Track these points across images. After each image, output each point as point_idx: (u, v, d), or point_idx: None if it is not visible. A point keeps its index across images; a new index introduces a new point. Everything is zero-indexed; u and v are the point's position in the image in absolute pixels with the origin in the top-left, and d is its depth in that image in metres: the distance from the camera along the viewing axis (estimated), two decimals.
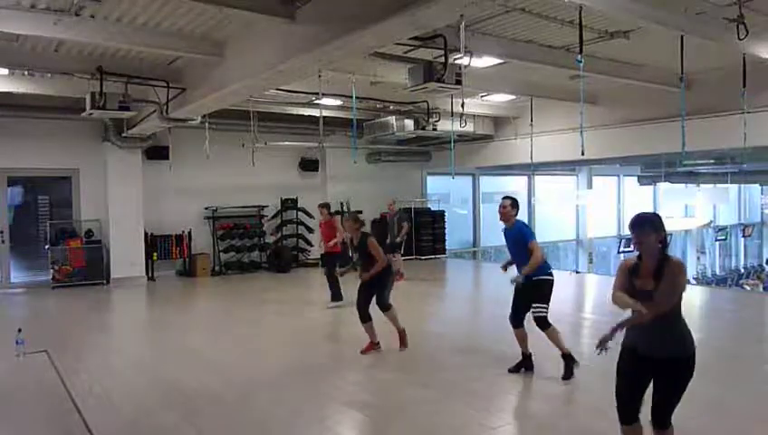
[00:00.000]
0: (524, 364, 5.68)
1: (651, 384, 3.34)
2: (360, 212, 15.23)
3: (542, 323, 5.47)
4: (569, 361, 5.49)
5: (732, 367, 6.05)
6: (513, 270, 5.71)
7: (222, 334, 7.82)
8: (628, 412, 3.40)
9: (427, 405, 5.01)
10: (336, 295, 9.22)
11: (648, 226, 3.26)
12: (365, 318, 6.50)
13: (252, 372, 6.03)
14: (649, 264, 3.26)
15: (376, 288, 6.53)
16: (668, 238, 3.32)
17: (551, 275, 5.51)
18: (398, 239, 11.76)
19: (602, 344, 3.30)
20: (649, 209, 20.80)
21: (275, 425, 4.72)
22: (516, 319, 5.60)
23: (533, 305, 5.46)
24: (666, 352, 3.25)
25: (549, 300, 5.48)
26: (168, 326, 8.68)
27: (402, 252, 12.19)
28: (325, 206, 9.77)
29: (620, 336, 3.36)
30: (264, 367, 6.19)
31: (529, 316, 5.54)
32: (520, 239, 5.49)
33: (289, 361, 6.38)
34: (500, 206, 5.59)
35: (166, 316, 9.52)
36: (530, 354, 5.69)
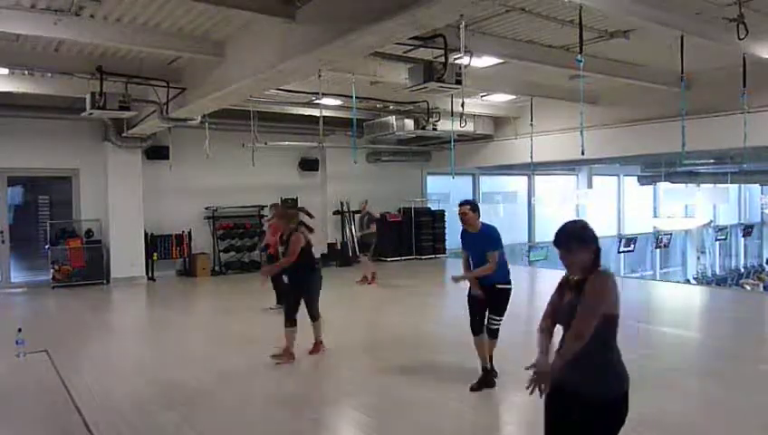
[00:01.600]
0: (485, 381, 5.24)
1: None
2: (360, 212, 15.32)
3: (495, 334, 5.25)
4: (488, 375, 5.25)
5: (732, 367, 6.05)
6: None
7: (222, 334, 7.82)
8: None
9: (426, 405, 5.01)
10: (280, 299, 8.70)
11: (574, 242, 2.71)
12: (291, 323, 6.21)
13: (252, 372, 6.03)
14: (578, 278, 2.75)
15: (304, 294, 6.28)
16: (600, 250, 2.76)
17: (510, 284, 5.26)
18: (358, 234, 11.50)
19: (536, 384, 2.66)
20: (652, 209, 20.49)
21: (275, 425, 4.72)
22: (475, 327, 5.30)
23: (492, 317, 5.21)
24: (576, 386, 2.62)
25: (505, 311, 5.24)
26: (168, 326, 8.68)
27: (372, 254, 11.73)
28: (275, 206, 9.42)
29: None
30: (263, 367, 6.18)
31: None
32: (488, 245, 5.19)
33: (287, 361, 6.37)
34: (460, 212, 5.31)
35: (166, 316, 9.52)
36: (491, 369, 5.30)
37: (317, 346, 6.47)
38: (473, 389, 5.17)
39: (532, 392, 2.66)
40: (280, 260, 6.41)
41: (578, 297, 2.65)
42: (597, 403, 2.60)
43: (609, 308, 2.63)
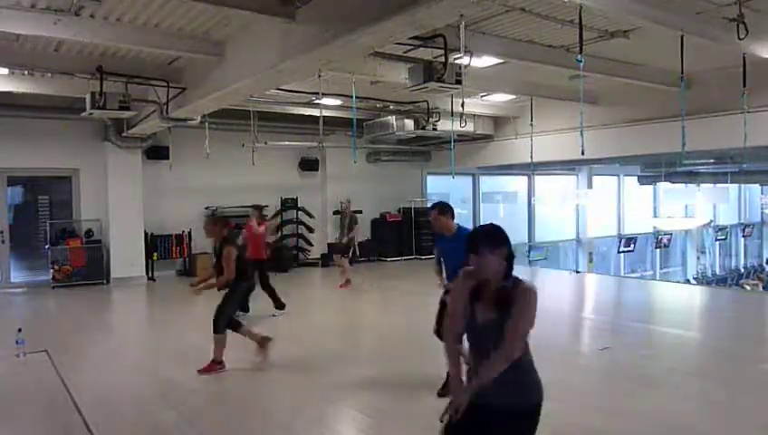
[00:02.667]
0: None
1: None
2: (360, 212, 15.31)
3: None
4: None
5: (732, 367, 6.05)
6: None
7: None
8: None
9: (427, 405, 5.01)
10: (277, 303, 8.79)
11: (485, 245, 2.59)
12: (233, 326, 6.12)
13: (251, 372, 6.03)
14: (494, 289, 2.61)
15: (222, 300, 6.05)
16: (513, 257, 2.64)
17: None
18: (344, 240, 11.25)
19: (453, 411, 2.54)
20: (652, 209, 20.54)
21: (275, 425, 4.72)
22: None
23: None
24: (506, 401, 2.54)
25: None
26: (168, 326, 8.68)
27: (350, 256, 11.46)
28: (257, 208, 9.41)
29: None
30: (263, 367, 6.18)
31: None
32: (462, 249, 4.90)
33: (289, 360, 6.38)
34: (431, 217, 5.05)
35: (166, 316, 9.53)
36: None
37: (210, 367, 5.93)
38: (440, 394, 4.94)
39: (446, 421, 2.54)
40: (219, 278, 5.99)
41: (502, 314, 2.53)
42: (526, 414, 2.57)
43: (533, 320, 2.57)
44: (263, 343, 6.29)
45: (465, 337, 2.75)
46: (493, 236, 2.65)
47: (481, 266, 2.60)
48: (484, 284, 2.62)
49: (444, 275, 5.18)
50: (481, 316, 2.61)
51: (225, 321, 6.04)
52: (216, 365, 5.96)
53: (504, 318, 2.52)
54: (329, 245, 14.78)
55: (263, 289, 8.43)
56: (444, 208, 5.02)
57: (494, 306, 2.57)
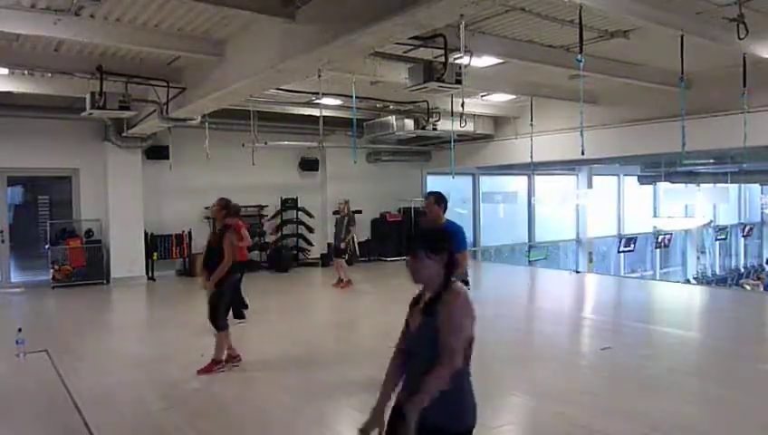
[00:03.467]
0: None
1: None
2: (360, 212, 15.30)
3: None
4: None
5: (732, 367, 6.05)
6: None
7: None
8: None
9: None
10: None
11: (420, 249, 2.34)
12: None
13: (251, 372, 6.03)
14: (427, 296, 2.39)
15: (211, 297, 6.00)
16: (454, 264, 2.40)
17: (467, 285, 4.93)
18: (342, 245, 11.29)
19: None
20: (652, 209, 20.51)
21: (275, 425, 4.72)
22: None
23: None
24: (432, 419, 2.28)
25: None
26: (169, 326, 8.67)
27: (347, 258, 11.53)
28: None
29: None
30: (263, 367, 6.19)
31: None
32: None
33: (289, 360, 6.38)
34: (426, 204, 5.08)
35: (166, 316, 9.52)
36: None
37: (211, 366, 5.92)
38: None
39: None
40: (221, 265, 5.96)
41: (428, 321, 2.32)
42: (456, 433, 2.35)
43: (469, 331, 2.32)
44: (229, 359, 6.12)
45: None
46: (434, 239, 2.41)
47: (415, 269, 2.36)
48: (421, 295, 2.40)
49: None
50: (412, 324, 2.41)
51: (224, 316, 6.06)
52: (215, 365, 5.96)
53: (428, 324, 2.30)
54: (328, 245, 14.79)
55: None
56: (439, 198, 4.99)
57: (421, 311, 2.36)
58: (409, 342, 2.42)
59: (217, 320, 5.98)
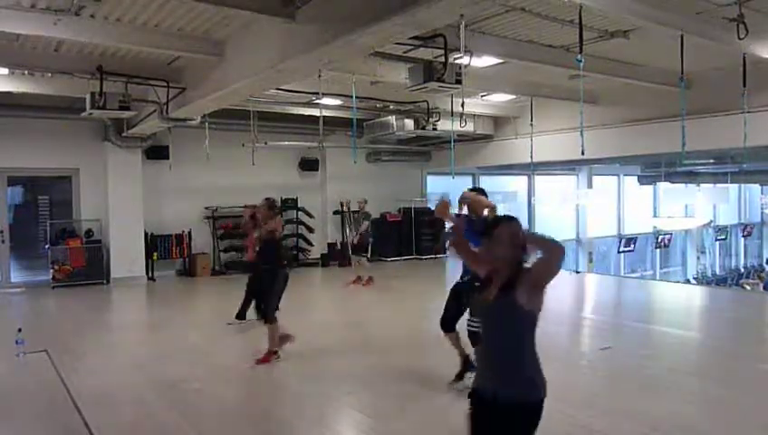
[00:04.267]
0: (466, 367, 5.22)
1: None
2: (357, 212, 15.28)
3: (476, 337, 4.95)
4: (466, 364, 5.20)
5: (732, 367, 6.05)
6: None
7: (222, 334, 7.81)
8: None
9: (427, 405, 5.01)
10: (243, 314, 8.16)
11: (503, 232, 2.65)
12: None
13: (251, 372, 6.03)
14: (504, 274, 2.62)
15: (264, 289, 6.22)
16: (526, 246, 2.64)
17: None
18: (356, 241, 11.43)
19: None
20: (652, 209, 20.53)
21: (275, 425, 4.72)
22: (451, 324, 5.27)
23: (469, 319, 5.01)
24: (510, 392, 2.52)
25: None
26: (169, 326, 8.67)
27: (369, 255, 11.62)
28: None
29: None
30: (263, 367, 6.19)
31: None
32: (479, 233, 5.08)
33: (288, 360, 6.38)
34: (462, 197, 5.35)
35: (166, 316, 9.52)
36: (468, 354, 5.20)
37: (268, 356, 6.10)
38: (453, 380, 5.21)
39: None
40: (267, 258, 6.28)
41: (505, 296, 2.55)
42: (530, 408, 2.54)
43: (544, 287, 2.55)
44: (282, 341, 6.36)
45: None
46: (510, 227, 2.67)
47: (492, 251, 2.64)
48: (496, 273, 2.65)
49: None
50: (488, 296, 2.63)
51: (273, 309, 6.17)
52: (273, 355, 6.12)
53: (505, 299, 2.52)
54: (328, 245, 14.80)
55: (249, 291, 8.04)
56: (481, 192, 5.51)
57: (499, 287, 2.57)
58: (485, 316, 2.65)
59: (268, 314, 6.15)
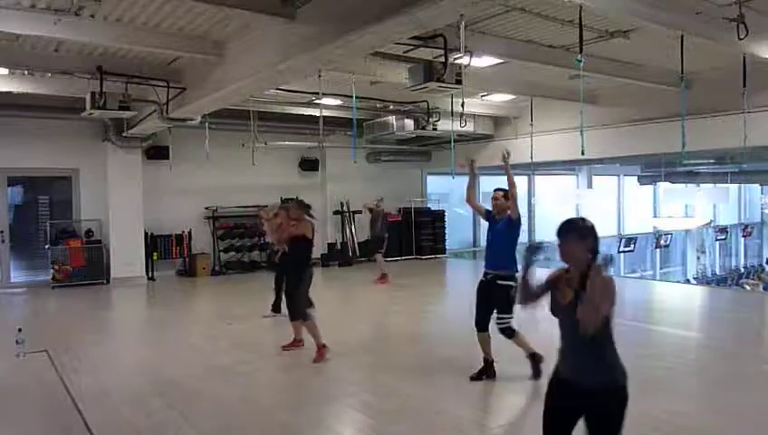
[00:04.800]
0: (487, 372, 5.45)
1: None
2: (360, 212, 15.28)
3: (508, 332, 5.29)
4: (535, 361, 5.32)
5: (732, 367, 6.05)
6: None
7: (222, 334, 7.82)
8: None
9: (427, 405, 5.01)
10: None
11: (573, 233, 2.91)
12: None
13: (252, 372, 6.03)
14: (574, 275, 2.85)
15: (289, 291, 6.32)
16: (598, 248, 2.94)
17: (513, 280, 5.15)
18: (376, 238, 11.63)
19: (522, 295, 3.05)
20: (652, 209, 20.63)
21: (275, 425, 4.72)
22: (482, 323, 5.38)
23: (498, 317, 5.22)
24: (593, 380, 2.76)
25: (513, 307, 5.17)
26: (169, 326, 8.67)
27: (384, 252, 11.86)
28: (285, 208, 9.23)
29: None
30: (263, 367, 6.19)
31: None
32: (506, 231, 5.32)
33: (288, 360, 6.38)
34: (493, 197, 5.50)
35: (166, 316, 9.51)
36: (492, 361, 5.44)
37: (321, 351, 6.19)
38: (472, 378, 5.37)
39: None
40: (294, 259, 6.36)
41: (580, 295, 2.72)
42: (613, 392, 2.76)
43: (610, 308, 2.72)
44: (296, 343, 6.54)
45: None
46: (581, 227, 2.95)
47: (563, 250, 2.88)
48: (563, 275, 2.89)
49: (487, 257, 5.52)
50: (563, 300, 2.85)
51: (304, 306, 6.23)
52: (323, 350, 6.17)
53: (580, 298, 2.71)
54: (329, 245, 14.79)
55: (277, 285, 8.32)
56: (507, 194, 5.44)
57: (573, 290, 2.79)
58: (565, 319, 2.82)
59: (301, 312, 6.22)
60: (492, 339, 5.41)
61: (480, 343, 5.42)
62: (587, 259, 2.83)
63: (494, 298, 5.24)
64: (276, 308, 8.23)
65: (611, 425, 2.74)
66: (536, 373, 5.31)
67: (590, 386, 2.75)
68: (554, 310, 2.91)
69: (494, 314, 5.30)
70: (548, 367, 5.31)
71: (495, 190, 5.51)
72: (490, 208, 5.56)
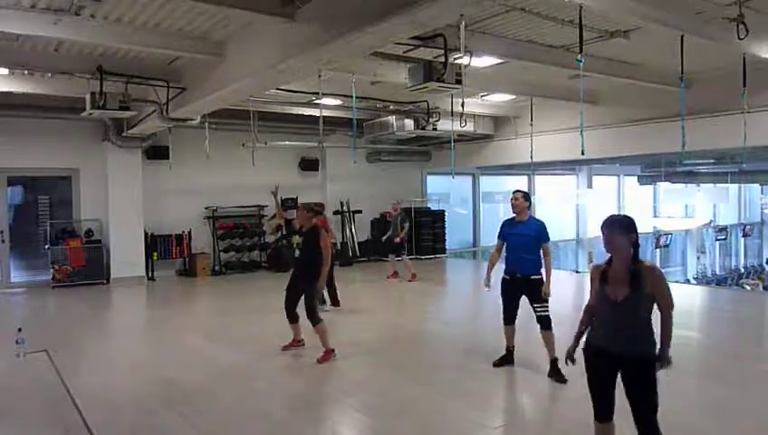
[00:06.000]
0: (508, 359, 5.78)
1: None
2: (360, 212, 15.29)
3: (547, 322, 5.48)
4: (556, 365, 5.40)
5: (732, 367, 6.05)
6: (496, 287, 5.76)
7: (222, 334, 7.82)
8: (599, 409, 3.41)
9: (426, 405, 5.02)
10: (332, 299, 9.18)
11: (618, 227, 3.30)
12: (293, 319, 6.47)
13: (252, 372, 6.03)
14: (619, 269, 3.28)
15: (304, 290, 6.28)
16: (639, 243, 3.36)
17: (541, 274, 5.52)
18: (398, 239, 11.77)
19: (570, 357, 3.62)
20: (652, 209, 20.66)
21: (276, 425, 4.72)
22: (510, 316, 5.66)
23: (536, 305, 5.48)
24: (622, 348, 3.27)
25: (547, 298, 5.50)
26: (168, 326, 8.67)
27: (405, 253, 12.24)
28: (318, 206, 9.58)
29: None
30: (264, 367, 6.19)
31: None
32: (536, 237, 5.49)
33: (289, 360, 6.38)
34: (512, 198, 5.66)
35: (166, 316, 9.52)
36: (513, 349, 5.78)
37: (327, 354, 6.21)
38: (495, 364, 5.74)
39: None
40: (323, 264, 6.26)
41: (634, 291, 3.21)
42: (640, 360, 3.28)
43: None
44: (296, 344, 6.58)
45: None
46: (625, 222, 3.36)
47: (609, 241, 3.30)
48: (610, 267, 3.33)
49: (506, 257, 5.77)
50: (614, 294, 3.27)
51: (317, 311, 6.27)
52: (330, 353, 6.20)
53: (637, 294, 3.21)
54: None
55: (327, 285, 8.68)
56: (527, 196, 5.67)
57: (628, 285, 3.22)
58: (617, 309, 3.27)
59: (314, 316, 6.20)
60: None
61: (505, 335, 5.77)
62: (629, 252, 3.27)
63: (532, 293, 5.48)
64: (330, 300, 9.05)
65: (641, 387, 3.24)
66: (558, 376, 5.36)
67: (620, 352, 3.26)
68: (599, 300, 3.34)
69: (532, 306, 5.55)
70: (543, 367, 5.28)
71: (515, 192, 5.69)
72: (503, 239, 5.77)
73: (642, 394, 3.26)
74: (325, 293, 8.86)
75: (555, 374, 5.37)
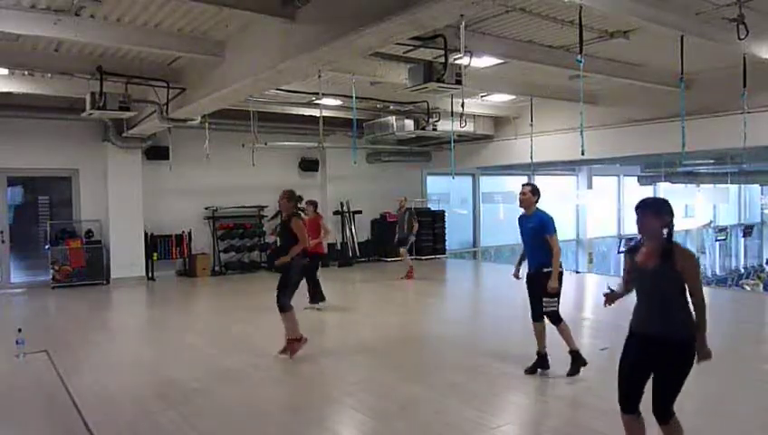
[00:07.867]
0: (540, 364, 5.63)
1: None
2: (360, 212, 15.28)
3: (554, 317, 5.51)
4: (576, 358, 5.52)
5: (732, 367, 6.04)
6: (524, 275, 5.75)
7: (222, 334, 7.82)
8: (626, 400, 3.38)
9: (426, 405, 5.01)
10: (318, 296, 9.09)
11: (649, 209, 3.36)
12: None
13: (252, 372, 6.03)
14: (651, 246, 3.33)
15: (280, 280, 6.34)
16: (673, 227, 3.41)
17: (561, 268, 5.55)
18: (413, 237, 12.08)
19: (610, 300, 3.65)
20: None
21: (276, 425, 4.72)
22: (535, 313, 5.64)
23: (544, 300, 5.50)
24: (656, 330, 3.29)
25: (559, 294, 5.50)
26: (168, 326, 8.68)
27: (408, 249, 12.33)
28: (312, 203, 9.55)
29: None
30: (264, 367, 6.19)
31: None
32: (539, 229, 5.49)
33: (289, 360, 6.38)
34: (520, 192, 5.64)
35: (166, 316, 9.52)
36: (545, 354, 5.64)
37: (292, 346, 6.26)
38: (527, 371, 5.60)
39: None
40: (293, 247, 6.25)
41: (664, 262, 3.25)
42: (675, 344, 3.29)
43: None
44: (293, 342, 6.43)
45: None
46: (657, 204, 3.43)
47: (641, 223, 3.36)
48: (643, 245, 3.39)
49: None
50: (644, 264, 3.33)
51: (288, 299, 6.27)
52: (295, 343, 6.23)
53: (666, 266, 3.25)
54: (329, 245, 14.77)
55: (308, 280, 8.80)
56: (535, 190, 5.60)
57: (659, 257, 3.28)
58: (645, 280, 3.35)
59: (283, 303, 6.22)
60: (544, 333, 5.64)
61: (535, 335, 5.64)
62: (661, 234, 3.32)
63: (543, 287, 5.47)
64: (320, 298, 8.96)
65: (671, 374, 3.24)
66: (574, 371, 5.48)
67: (653, 334, 3.28)
68: (634, 272, 3.40)
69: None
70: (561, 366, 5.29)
71: (523, 185, 5.66)
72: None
73: (665, 381, 3.24)
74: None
75: (575, 362, 5.48)
